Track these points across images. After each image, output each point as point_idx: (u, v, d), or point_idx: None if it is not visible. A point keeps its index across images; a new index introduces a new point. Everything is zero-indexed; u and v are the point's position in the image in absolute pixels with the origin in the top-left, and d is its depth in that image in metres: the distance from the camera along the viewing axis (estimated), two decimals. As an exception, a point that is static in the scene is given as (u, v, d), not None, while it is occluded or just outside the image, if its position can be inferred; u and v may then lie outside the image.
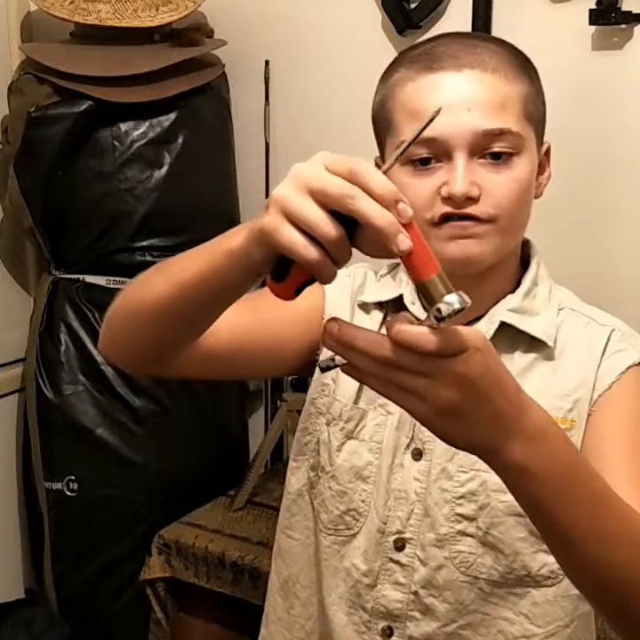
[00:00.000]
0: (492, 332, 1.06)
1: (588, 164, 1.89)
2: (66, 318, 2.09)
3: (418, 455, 1.10)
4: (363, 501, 1.12)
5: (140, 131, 2.02)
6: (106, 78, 1.96)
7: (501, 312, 1.08)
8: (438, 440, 1.04)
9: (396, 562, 1.11)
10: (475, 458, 1.04)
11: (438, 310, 0.72)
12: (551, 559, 1.05)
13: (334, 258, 0.73)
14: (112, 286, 2.06)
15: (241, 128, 2.22)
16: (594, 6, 1.75)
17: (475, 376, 0.74)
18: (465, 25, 1.91)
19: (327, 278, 0.74)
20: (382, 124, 1.09)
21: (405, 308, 1.09)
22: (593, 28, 1.80)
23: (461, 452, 1.05)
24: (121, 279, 2.06)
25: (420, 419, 0.76)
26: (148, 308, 0.92)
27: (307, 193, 0.72)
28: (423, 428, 1.06)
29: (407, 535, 1.10)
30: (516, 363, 1.07)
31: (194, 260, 0.86)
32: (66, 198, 2.03)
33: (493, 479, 1.04)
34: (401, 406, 0.76)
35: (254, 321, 1.07)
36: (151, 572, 1.98)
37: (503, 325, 1.07)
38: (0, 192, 2.17)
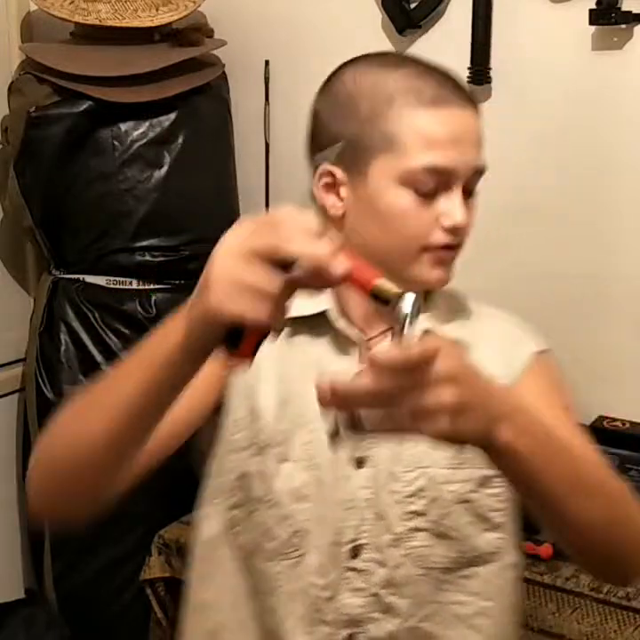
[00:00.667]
0: None
1: (587, 164, 1.89)
2: (66, 318, 2.08)
3: (361, 463, 1.10)
4: (307, 520, 1.11)
5: (140, 131, 2.02)
6: (106, 78, 1.96)
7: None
8: (381, 445, 1.05)
9: (353, 569, 1.11)
10: (419, 456, 1.07)
11: (399, 307, 0.75)
12: (494, 535, 1.12)
13: (281, 307, 0.75)
14: (112, 286, 2.06)
15: (241, 128, 2.22)
16: (594, 6, 1.75)
17: (459, 367, 0.77)
18: (465, 25, 1.91)
19: (280, 330, 0.77)
20: (373, 141, 1.05)
21: (325, 323, 1.09)
22: (593, 27, 1.80)
23: (405, 453, 1.08)
24: (121, 279, 2.06)
25: (441, 432, 0.76)
26: (93, 443, 0.88)
27: (239, 258, 0.74)
28: (362, 436, 1.08)
29: (362, 541, 1.10)
30: None
31: (130, 379, 0.85)
32: (66, 198, 2.03)
33: (439, 472, 1.08)
34: (423, 433, 0.77)
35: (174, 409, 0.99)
36: (151, 572, 1.98)
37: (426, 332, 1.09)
38: (0, 192, 2.17)
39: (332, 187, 1.08)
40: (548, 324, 2.01)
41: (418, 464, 1.09)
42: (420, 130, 1.03)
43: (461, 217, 1.04)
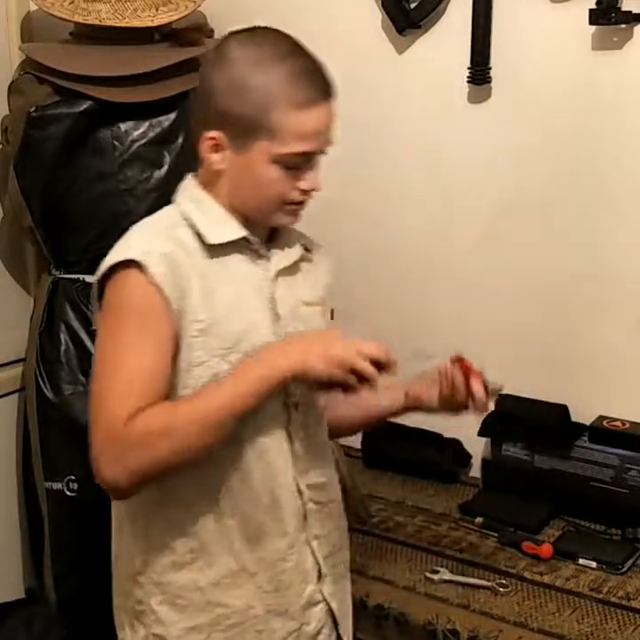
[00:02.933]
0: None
1: (587, 164, 1.89)
2: (66, 318, 2.09)
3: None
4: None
5: (140, 131, 2.02)
6: (106, 78, 1.96)
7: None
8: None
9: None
10: None
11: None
12: None
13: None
14: (112, 286, 2.06)
15: (241, 128, 2.21)
16: (594, 6, 1.75)
17: None
18: (465, 25, 1.91)
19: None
20: (259, 128, 1.31)
21: (247, 242, 1.39)
22: (593, 27, 1.80)
23: None
24: (121, 279, 2.06)
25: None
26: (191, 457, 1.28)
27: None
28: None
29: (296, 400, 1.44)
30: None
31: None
32: (66, 198, 2.03)
33: None
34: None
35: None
36: (151, 572, 1.98)
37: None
38: (0, 192, 2.17)
39: (217, 147, 1.36)
40: (548, 324, 2.01)
41: None
42: (295, 127, 1.31)
43: (319, 184, 1.37)
